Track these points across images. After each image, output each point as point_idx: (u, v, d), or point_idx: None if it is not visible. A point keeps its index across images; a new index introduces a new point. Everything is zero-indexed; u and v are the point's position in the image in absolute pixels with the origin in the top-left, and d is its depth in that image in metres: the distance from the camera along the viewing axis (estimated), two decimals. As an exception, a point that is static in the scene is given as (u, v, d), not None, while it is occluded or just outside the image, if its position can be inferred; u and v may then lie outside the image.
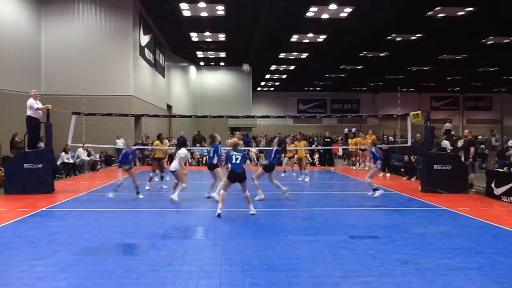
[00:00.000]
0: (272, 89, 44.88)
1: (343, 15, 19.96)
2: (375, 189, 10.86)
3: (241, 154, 8.44)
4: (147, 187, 12.02)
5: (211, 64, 34.71)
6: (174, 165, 10.06)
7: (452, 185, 11.42)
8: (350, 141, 21.73)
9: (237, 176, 8.25)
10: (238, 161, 8.30)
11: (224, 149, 11.09)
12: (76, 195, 11.06)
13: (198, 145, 23.76)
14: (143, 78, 23.20)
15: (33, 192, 10.74)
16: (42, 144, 12.52)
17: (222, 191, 8.41)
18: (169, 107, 30.14)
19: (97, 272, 4.92)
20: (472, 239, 6.60)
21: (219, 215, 8.01)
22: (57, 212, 8.87)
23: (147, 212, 9.01)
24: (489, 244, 6.28)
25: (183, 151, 10.03)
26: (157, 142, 12.97)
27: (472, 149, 12.35)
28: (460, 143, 12.90)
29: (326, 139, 21.16)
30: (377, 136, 23.17)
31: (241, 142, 8.65)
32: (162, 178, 12.89)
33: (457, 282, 4.66)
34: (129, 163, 10.68)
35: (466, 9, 18.96)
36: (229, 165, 8.43)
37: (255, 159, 22.55)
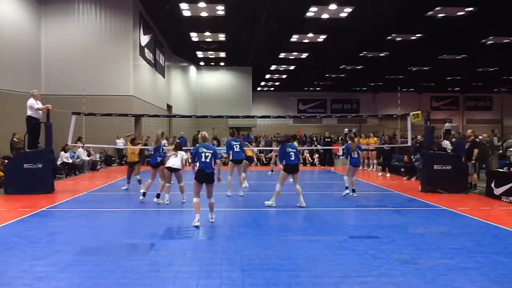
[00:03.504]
0: (272, 89, 44.87)
1: (343, 15, 19.95)
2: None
3: (211, 151, 7.37)
4: (124, 187, 12.04)
5: (211, 64, 34.72)
6: (179, 164, 9.48)
7: (452, 185, 11.43)
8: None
9: (205, 176, 7.27)
10: (208, 160, 7.28)
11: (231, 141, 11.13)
12: (76, 195, 11.06)
13: (198, 145, 23.77)
14: (143, 78, 23.20)
15: (33, 192, 10.74)
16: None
17: (195, 200, 7.39)
18: (169, 107, 30.15)
19: (97, 272, 4.92)
20: (472, 239, 6.60)
21: (197, 227, 7.18)
22: (57, 212, 8.87)
23: (147, 212, 9.00)
24: (489, 244, 6.28)
25: (184, 153, 10.02)
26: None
27: (475, 150, 12.26)
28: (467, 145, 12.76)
29: (326, 139, 21.17)
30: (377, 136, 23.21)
31: (210, 138, 7.71)
32: (139, 181, 11.59)
33: (457, 282, 4.66)
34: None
35: (466, 9, 18.95)
36: (197, 164, 7.35)
37: (255, 159, 22.54)
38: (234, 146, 10.86)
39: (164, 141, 11.03)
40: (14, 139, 13.75)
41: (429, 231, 7.15)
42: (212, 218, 7.54)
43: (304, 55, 29.17)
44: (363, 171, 19.00)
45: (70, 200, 10.29)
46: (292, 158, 9.17)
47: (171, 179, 9.79)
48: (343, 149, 10.82)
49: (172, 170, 9.47)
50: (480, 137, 13.91)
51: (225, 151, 11.89)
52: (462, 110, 46.42)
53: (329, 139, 21.05)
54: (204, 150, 7.33)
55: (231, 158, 11.00)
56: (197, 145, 7.74)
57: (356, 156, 10.90)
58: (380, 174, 16.89)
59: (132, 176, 12.10)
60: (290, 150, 9.16)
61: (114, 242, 6.31)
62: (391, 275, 4.88)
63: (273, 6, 18.54)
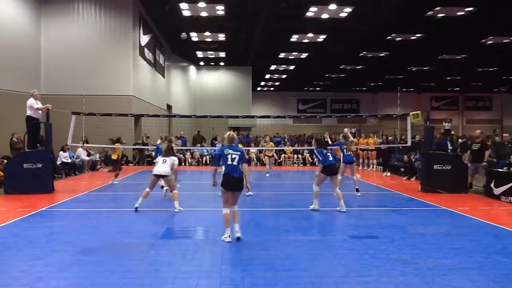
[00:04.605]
0: (272, 89, 44.86)
1: (343, 15, 19.95)
2: None
3: (239, 153, 6.43)
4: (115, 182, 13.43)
5: (211, 64, 34.71)
6: (167, 169, 8.92)
7: (452, 185, 11.43)
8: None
9: (234, 182, 6.30)
10: (235, 162, 6.34)
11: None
12: (76, 195, 11.06)
13: (198, 145, 23.80)
14: (143, 78, 23.20)
15: (33, 192, 10.73)
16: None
17: (224, 210, 6.44)
18: (169, 107, 30.15)
19: (97, 272, 4.92)
20: (472, 239, 6.60)
21: (228, 240, 6.27)
22: (57, 212, 8.87)
23: (147, 212, 8.99)
24: (489, 244, 6.28)
25: (175, 159, 9.47)
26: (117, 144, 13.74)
27: (487, 152, 11.98)
28: (474, 147, 12.37)
29: (325, 139, 21.15)
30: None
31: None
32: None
33: (457, 282, 4.66)
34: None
35: (466, 9, 18.95)
36: (222, 167, 6.46)
37: (255, 160, 22.54)
38: None
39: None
40: (14, 139, 13.76)
41: (429, 231, 7.15)
42: (238, 232, 6.27)
43: (304, 55, 29.17)
44: (363, 171, 19.01)
45: (70, 200, 10.28)
46: (330, 159, 8.83)
47: (154, 185, 9.14)
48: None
49: (159, 177, 8.93)
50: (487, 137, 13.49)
51: (206, 151, 12.06)
52: (462, 110, 46.45)
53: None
54: (231, 151, 6.38)
55: None
56: (221, 145, 6.92)
57: (348, 153, 11.00)
58: (389, 174, 16.94)
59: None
60: (326, 151, 8.96)
61: (114, 242, 6.30)
62: (391, 275, 4.88)
63: (273, 6, 18.53)
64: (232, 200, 6.45)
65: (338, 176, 11.16)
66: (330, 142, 14.77)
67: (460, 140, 18.76)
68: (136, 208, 8.65)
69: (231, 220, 6.41)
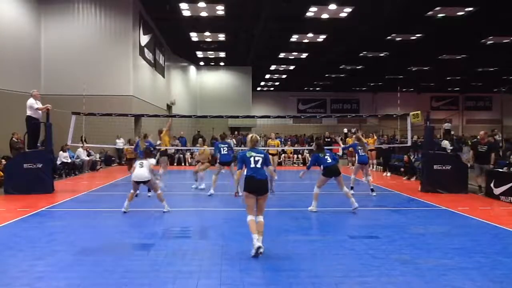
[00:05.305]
0: (272, 89, 44.87)
1: (343, 15, 19.95)
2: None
3: (262, 155, 6.12)
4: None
5: (211, 64, 34.71)
6: (146, 174, 8.67)
7: (452, 185, 11.43)
8: (348, 140, 21.76)
9: (256, 184, 5.89)
10: (258, 165, 6.04)
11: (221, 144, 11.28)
12: (75, 195, 11.06)
13: (198, 145, 23.78)
14: (143, 78, 23.20)
15: (33, 192, 10.74)
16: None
17: (249, 217, 5.93)
18: (169, 107, 30.14)
19: (97, 272, 4.92)
20: (472, 239, 6.60)
21: (258, 254, 5.52)
22: (57, 212, 8.87)
23: (147, 212, 8.99)
24: (489, 244, 6.28)
25: (152, 160, 9.37)
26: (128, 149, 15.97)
27: (493, 155, 11.51)
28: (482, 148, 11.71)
29: (326, 139, 21.17)
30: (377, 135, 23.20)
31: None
32: None
33: (457, 282, 4.66)
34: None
35: (466, 9, 18.96)
36: (245, 171, 6.18)
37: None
38: (222, 148, 11.18)
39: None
40: (14, 139, 13.75)
41: (429, 231, 7.15)
42: (260, 248, 5.54)
43: (304, 55, 29.17)
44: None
45: (70, 200, 10.29)
46: (329, 161, 8.75)
47: (137, 189, 8.94)
48: (343, 149, 11.56)
49: (139, 183, 8.72)
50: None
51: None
52: (462, 110, 46.44)
53: (329, 139, 21.05)
54: (253, 154, 6.09)
55: (218, 160, 11.38)
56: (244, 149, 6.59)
57: (363, 154, 11.25)
58: (389, 174, 17.00)
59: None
60: (323, 154, 8.84)
61: (113, 242, 6.30)
62: (391, 275, 4.88)
63: (273, 6, 18.53)
64: (257, 207, 5.98)
65: (351, 175, 11.35)
66: (341, 144, 14.85)
67: (468, 141, 18.64)
68: (124, 212, 8.54)
69: (255, 228, 5.85)
